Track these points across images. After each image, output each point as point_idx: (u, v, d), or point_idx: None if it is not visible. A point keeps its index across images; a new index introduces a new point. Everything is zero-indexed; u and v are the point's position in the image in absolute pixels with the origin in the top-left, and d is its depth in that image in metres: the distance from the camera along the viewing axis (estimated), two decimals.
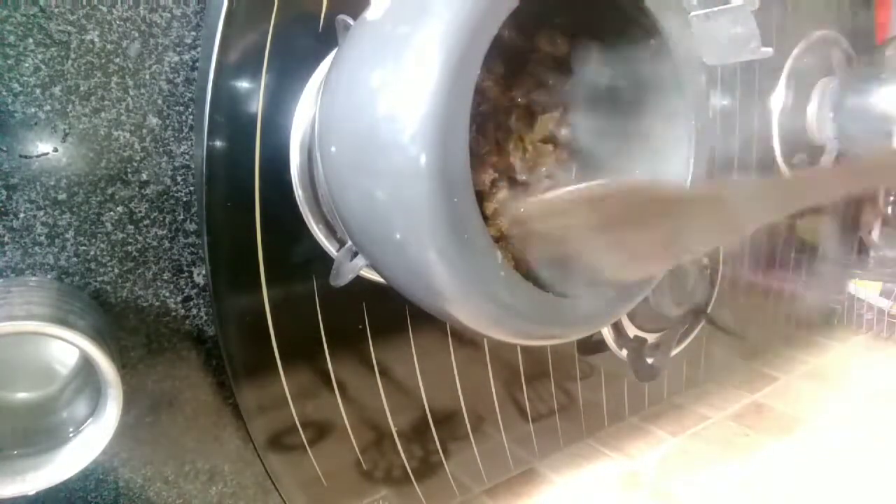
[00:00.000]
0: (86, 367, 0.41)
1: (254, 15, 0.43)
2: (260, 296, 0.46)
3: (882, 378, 0.95)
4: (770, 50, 0.43)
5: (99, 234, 0.43)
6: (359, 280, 0.45)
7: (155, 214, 0.45)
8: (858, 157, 0.81)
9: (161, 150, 0.45)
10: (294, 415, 0.50)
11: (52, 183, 0.41)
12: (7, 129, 0.39)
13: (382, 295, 0.49)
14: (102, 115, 0.42)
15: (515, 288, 0.34)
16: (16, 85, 0.39)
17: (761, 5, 0.40)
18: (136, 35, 0.42)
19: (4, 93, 0.39)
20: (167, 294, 0.46)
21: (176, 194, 0.46)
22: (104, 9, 0.41)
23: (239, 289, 0.46)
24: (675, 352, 0.74)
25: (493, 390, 0.62)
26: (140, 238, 0.44)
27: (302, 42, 0.45)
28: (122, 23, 0.42)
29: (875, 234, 1.13)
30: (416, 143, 0.30)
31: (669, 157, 0.45)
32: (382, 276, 0.39)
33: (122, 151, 0.43)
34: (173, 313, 0.47)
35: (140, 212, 0.44)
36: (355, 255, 0.44)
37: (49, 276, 0.41)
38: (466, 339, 0.58)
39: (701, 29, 0.43)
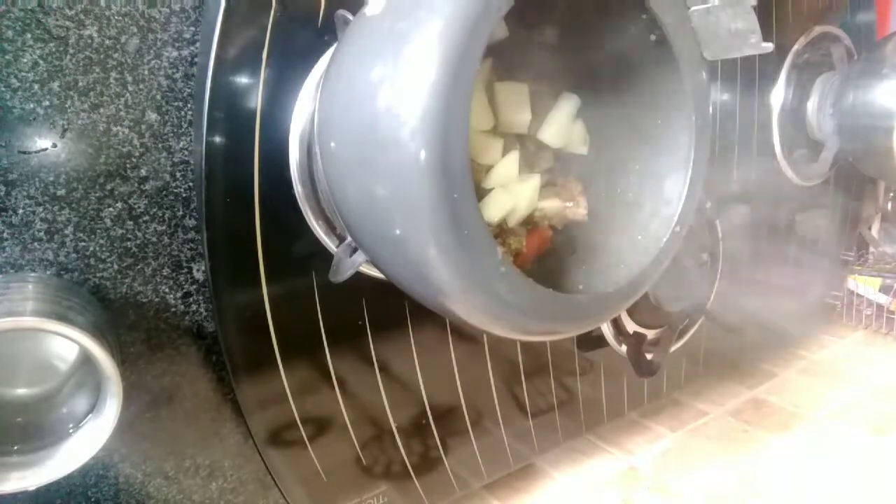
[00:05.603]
0: (85, 363, 0.41)
1: (253, 10, 0.43)
2: (259, 292, 0.46)
3: (880, 374, 0.95)
4: (770, 45, 0.43)
5: (98, 230, 0.43)
6: (358, 276, 0.46)
7: (154, 210, 0.45)
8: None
9: (160, 145, 0.44)
10: (294, 410, 0.50)
11: (51, 179, 0.41)
12: (6, 124, 0.39)
13: (382, 291, 0.49)
14: (101, 110, 0.42)
15: (515, 284, 0.35)
16: (14, 80, 0.39)
17: (761, 0, 0.40)
18: (135, 30, 0.42)
19: (3, 88, 0.39)
20: (166, 290, 0.46)
21: (175, 190, 0.46)
22: (102, 4, 0.41)
23: (238, 285, 0.46)
24: (674, 348, 0.75)
25: (493, 386, 0.62)
26: (139, 234, 0.44)
27: (301, 37, 0.45)
28: (120, 18, 0.42)
29: (874, 230, 1.13)
30: (416, 139, 0.30)
31: (669, 152, 0.45)
32: (382, 273, 0.39)
33: (121, 147, 0.43)
34: (173, 309, 0.47)
35: (139, 208, 0.44)
36: (355, 251, 0.44)
37: (48, 272, 0.41)
38: (466, 335, 0.58)
39: (701, 23, 0.43)
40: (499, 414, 0.63)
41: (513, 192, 0.45)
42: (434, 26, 0.30)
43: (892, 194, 1.12)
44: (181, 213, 0.46)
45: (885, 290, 1.07)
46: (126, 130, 0.43)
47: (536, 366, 0.65)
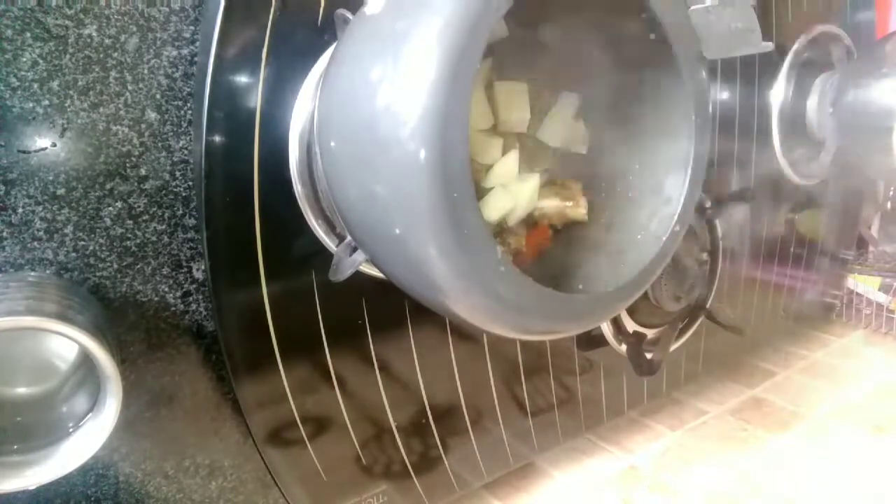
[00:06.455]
0: (85, 363, 0.41)
1: (252, 9, 0.43)
2: (259, 291, 0.46)
3: (880, 373, 0.95)
4: (770, 44, 0.43)
5: (98, 230, 0.43)
6: (358, 275, 0.45)
7: (154, 209, 0.45)
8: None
9: (160, 145, 0.44)
10: (293, 410, 0.50)
11: (51, 178, 0.41)
12: (5, 124, 0.39)
13: (382, 290, 0.49)
14: (101, 109, 0.42)
15: (515, 283, 0.35)
16: (14, 80, 0.39)
17: None
18: (135, 29, 0.42)
19: (2, 87, 0.38)
20: (166, 289, 0.46)
21: (175, 189, 0.45)
22: (102, 3, 0.41)
23: (238, 284, 0.46)
24: (673, 347, 0.75)
25: (493, 385, 0.62)
26: (139, 233, 0.44)
27: (301, 36, 0.45)
28: (119, 17, 0.42)
29: (874, 230, 1.13)
30: (416, 138, 0.30)
31: (669, 152, 0.45)
32: (382, 272, 0.39)
33: (121, 146, 0.43)
34: (172, 308, 0.47)
35: (139, 207, 0.44)
36: (354, 250, 0.44)
37: (48, 272, 0.41)
38: (466, 334, 0.58)
39: (701, 23, 0.43)
40: (498, 413, 0.63)
41: (513, 192, 0.45)
42: (434, 25, 0.30)
43: (891, 193, 1.12)
44: (181, 212, 0.46)
45: (884, 289, 1.07)
46: (126, 129, 0.43)
47: (536, 365, 0.65)
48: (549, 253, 0.48)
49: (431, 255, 0.31)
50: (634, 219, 0.46)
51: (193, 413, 0.49)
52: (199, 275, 0.47)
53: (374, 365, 0.53)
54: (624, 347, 0.70)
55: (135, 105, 0.43)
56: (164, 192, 0.45)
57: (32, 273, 0.41)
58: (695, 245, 0.73)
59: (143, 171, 0.44)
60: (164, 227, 0.45)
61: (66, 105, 0.41)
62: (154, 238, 0.45)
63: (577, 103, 0.48)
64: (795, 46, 0.82)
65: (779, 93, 0.82)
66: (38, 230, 0.41)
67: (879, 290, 1.07)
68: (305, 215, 0.46)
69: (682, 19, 0.42)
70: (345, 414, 0.53)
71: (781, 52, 0.82)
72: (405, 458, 0.58)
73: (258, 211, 0.45)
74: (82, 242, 0.42)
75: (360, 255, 0.43)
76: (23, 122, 0.39)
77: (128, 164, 0.43)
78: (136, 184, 0.44)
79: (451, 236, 0.31)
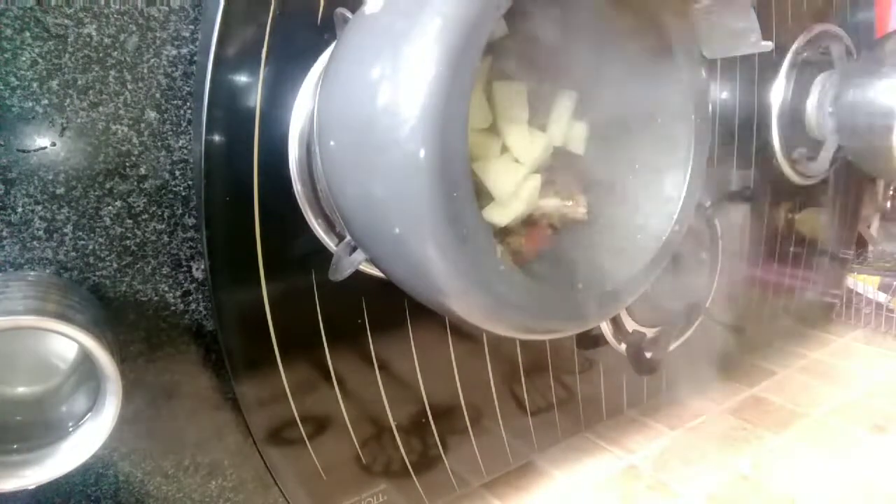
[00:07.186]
0: (85, 362, 0.41)
1: (252, 8, 0.43)
2: (259, 290, 0.46)
3: (880, 372, 0.95)
4: (770, 44, 0.43)
5: (97, 229, 0.43)
6: (358, 274, 0.45)
7: (153, 209, 0.45)
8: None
9: (159, 144, 0.44)
10: (293, 409, 0.50)
11: (51, 177, 0.41)
12: (5, 123, 0.39)
13: (381, 289, 0.49)
14: (100, 109, 0.42)
15: (514, 282, 0.35)
16: (13, 79, 0.39)
17: None
18: (134, 29, 0.42)
19: (2, 87, 0.38)
20: (166, 288, 0.46)
21: (174, 189, 0.45)
22: (101, 2, 0.41)
23: (238, 283, 0.46)
24: (673, 346, 0.75)
25: (492, 384, 0.62)
26: (139, 232, 0.44)
27: (300, 35, 0.45)
28: (119, 16, 0.42)
29: (874, 229, 1.13)
30: (415, 137, 0.30)
31: (669, 152, 0.45)
32: (381, 271, 0.39)
33: (121, 146, 0.43)
34: (172, 308, 0.47)
35: (138, 206, 0.44)
36: (354, 249, 0.44)
37: (47, 271, 0.41)
38: (465, 333, 0.58)
39: (701, 22, 0.43)
40: (498, 412, 0.63)
41: (518, 198, 0.45)
42: (433, 25, 0.30)
43: (891, 192, 1.12)
44: (180, 211, 0.46)
45: (884, 288, 1.07)
46: (125, 129, 0.43)
47: (536, 364, 0.65)
48: (549, 253, 0.48)
49: (431, 254, 0.31)
50: (634, 219, 0.46)
51: (193, 412, 0.49)
52: (198, 274, 0.47)
53: (373, 364, 0.53)
54: (623, 346, 0.70)
55: (134, 104, 0.43)
56: (163, 191, 0.45)
57: (32, 272, 0.41)
58: (694, 244, 0.73)
59: (142, 171, 0.44)
60: (163, 226, 0.45)
61: (66, 104, 0.41)
62: (154, 237, 0.45)
63: (574, 100, 0.48)
64: (795, 46, 0.82)
65: (779, 92, 0.82)
66: (37, 229, 0.41)
67: (879, 289, 1.07)
68: (305, 215, 0.46)
69: (682, 19, 0.42)
70: (344, 413, 0.53)
71: (781, 51, 0.82)
72: (405, 457, 0.58)
73: (258, 210, 0.45)
74: (82, 242, 0.42)
75: (359, 255, 0.43)
76: (22, 121, 0.39)
77: (127, 164, 0.43)
78: (135, 183, 0.44)
79: (451, 236, 0.31)
